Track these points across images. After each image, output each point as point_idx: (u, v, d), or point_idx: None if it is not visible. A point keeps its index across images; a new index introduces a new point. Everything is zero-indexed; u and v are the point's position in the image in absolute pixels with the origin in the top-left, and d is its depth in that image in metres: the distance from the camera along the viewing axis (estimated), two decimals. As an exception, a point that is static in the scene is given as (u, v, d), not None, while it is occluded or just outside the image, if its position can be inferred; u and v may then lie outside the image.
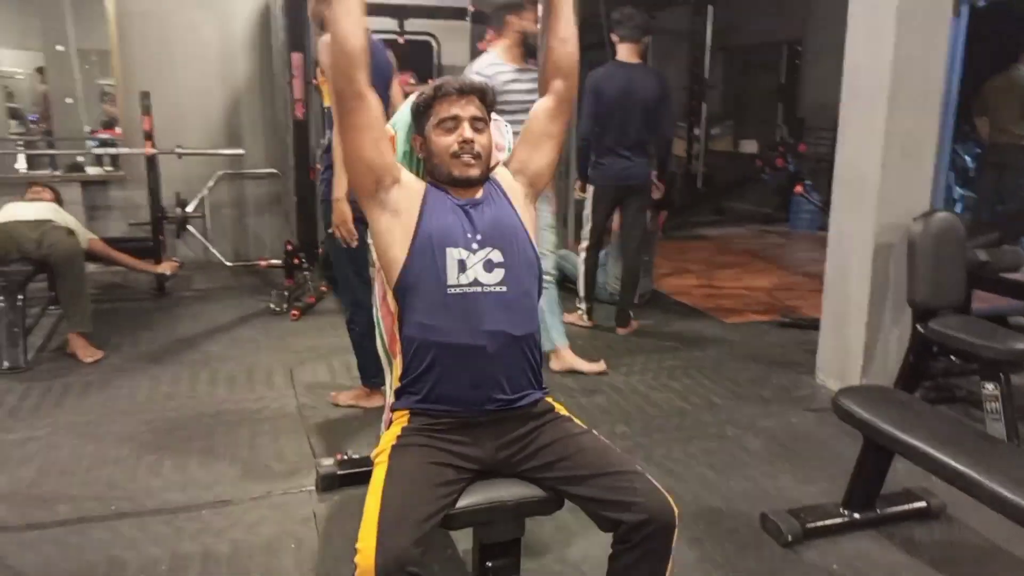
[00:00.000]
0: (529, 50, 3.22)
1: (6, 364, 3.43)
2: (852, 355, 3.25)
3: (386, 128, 1.74)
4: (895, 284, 3.13)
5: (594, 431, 1.68)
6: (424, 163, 1.80)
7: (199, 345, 3.88)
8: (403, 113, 1.86)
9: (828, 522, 2.30)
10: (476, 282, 1.63)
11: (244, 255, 5.60)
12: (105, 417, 3.01)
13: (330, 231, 2.87)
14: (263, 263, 5.06)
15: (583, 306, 4.22)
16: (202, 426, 2.94)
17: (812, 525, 2.27)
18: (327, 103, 2.93)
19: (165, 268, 4.71)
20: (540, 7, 1.93)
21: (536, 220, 1.82)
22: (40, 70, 5.56)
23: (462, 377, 1.62)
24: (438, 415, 1.64)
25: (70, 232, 3.86)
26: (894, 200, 3.07)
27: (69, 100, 5.24)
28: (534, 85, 2.87)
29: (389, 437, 1.64)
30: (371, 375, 3.02)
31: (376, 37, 5.48)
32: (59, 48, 5.14)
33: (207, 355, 3.73)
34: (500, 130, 1.97)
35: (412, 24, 5.52)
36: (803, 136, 7.82)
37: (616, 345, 3.96)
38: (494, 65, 3.22)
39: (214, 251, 5.24)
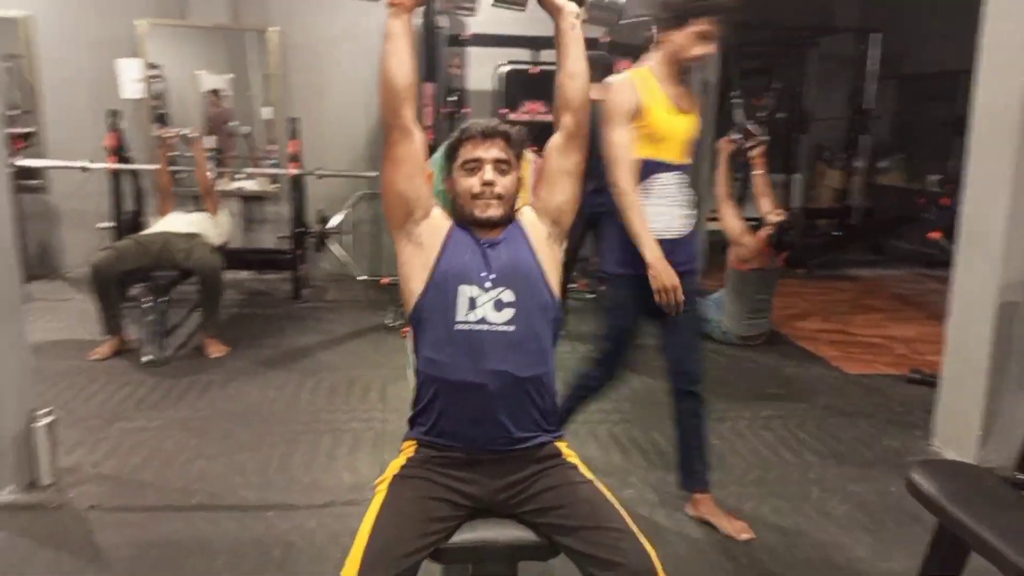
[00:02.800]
0: None
1: (145, 358, 3.84)
2: (970, 424, 2.92)
3: (424, 164, 1.80)
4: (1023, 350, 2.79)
5: (596, 482, 1.65)
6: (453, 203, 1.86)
7: (313, 354, 4.15)
8: (440, 153, 1.92)
9: (893, 607, 2.09)
10: (483, 320, 1.65)
11: (377, 271, 5.91)
12: (214, 415, 3.30)
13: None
14: (384, 280, 5.32)
15: None
16: (292, 432, 3.14)
17: (873, 608, 2.07)
18: None
19: None
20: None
21: (559, 260, 1.81)
22: (215, 92, 6.13)
23: (464, 414, 1.65)
24: (442, 449, 1.67)
25: (214, 249, 4.26)
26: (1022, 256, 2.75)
27: (234, 123, 5.79)
28: None
29: (394, 466, 1.69)
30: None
31: (509, 68, 5.67)
32: (230, 76, 5.70)
33: (317, 364, 3.98)
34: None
35: (547, 55, 5.62)
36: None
37: (710, 388, 3.79)
38: None
39: (349, 266, 5.59)
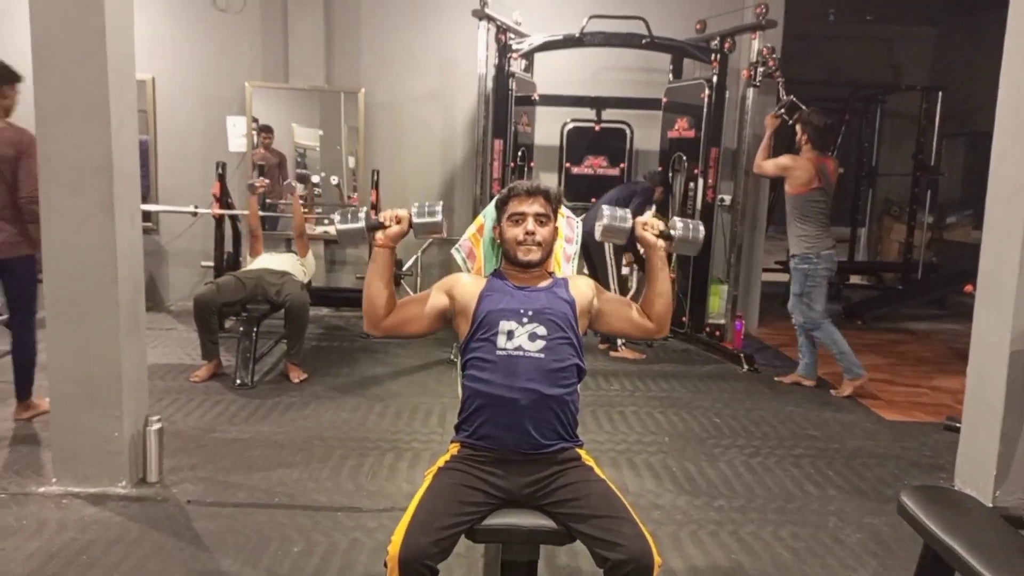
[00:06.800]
0: None
1: (237, 382, 4.34)
2: (986, 464, 3.09)
3: (423, 296, 2.19)
4: (1036, 394, 2.97)
5: (608, 481, 1.97)
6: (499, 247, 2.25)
7: (383, 383, 4.58)
8: (491, 207, 2.33)
9: (884, 620, 2.30)
10: (520, 348, 2.02)
11: (446, 311, 6.35)
12: (294, 431, 3.74)
13: None
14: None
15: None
16: (360, 448, 3.55)
17: (866, 620, 2.29)
18: None
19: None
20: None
21: (583, 328, 2.17)
22: (265, 129, 6.57)
23: (499, 422, 2.01)
24: (480, 449, 2.03)
25: (303, 287, 4.78)
26: (1035, 305, 2.94)
27: (322, 175, 6.39)
28: None
29: (440, 461, 2.06)
30: None
31: (572, 125, 6.10)
32: (320, 132, 6.32)
33: (386, 392, 4.41)
34: (571, 226, 2.37)
35: (608, 113, 6.04)
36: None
37: (749, 428, 4.03)
38: None
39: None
